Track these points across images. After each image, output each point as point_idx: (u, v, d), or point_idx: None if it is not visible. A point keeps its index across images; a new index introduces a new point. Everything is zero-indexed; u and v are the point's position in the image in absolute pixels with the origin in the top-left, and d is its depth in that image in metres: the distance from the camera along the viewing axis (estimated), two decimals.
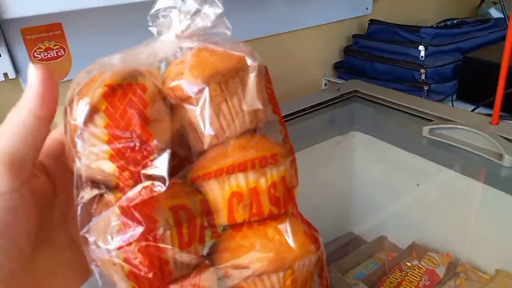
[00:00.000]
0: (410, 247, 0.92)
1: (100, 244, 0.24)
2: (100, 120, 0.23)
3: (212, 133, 0.25)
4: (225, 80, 0.24)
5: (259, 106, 0.26)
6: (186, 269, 0.25)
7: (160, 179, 0.24)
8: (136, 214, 0.23)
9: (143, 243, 0.23)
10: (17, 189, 0.23)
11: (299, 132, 0.94)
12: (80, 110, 0.23)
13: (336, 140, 0.96)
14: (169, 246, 0.24)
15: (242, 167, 0.25)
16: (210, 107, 0.24)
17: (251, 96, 0.25)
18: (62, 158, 0.26)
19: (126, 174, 0.24)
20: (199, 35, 0.26)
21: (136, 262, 0.23)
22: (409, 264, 0.88)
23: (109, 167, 0.24)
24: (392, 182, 0.96)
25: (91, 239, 0.24)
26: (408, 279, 0.82)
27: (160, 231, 0.24)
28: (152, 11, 0.26)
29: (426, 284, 0.80)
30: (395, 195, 0.99)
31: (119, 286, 0.24)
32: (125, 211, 0.23)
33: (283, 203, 0.27)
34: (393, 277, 0.86)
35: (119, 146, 0.23)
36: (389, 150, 0.92)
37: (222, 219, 0.26)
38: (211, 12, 0.25)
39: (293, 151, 0.29)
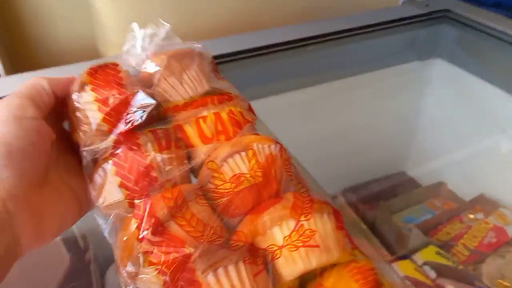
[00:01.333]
0: (475, 199, 0.81)
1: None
2: (88, 88, 0.34)
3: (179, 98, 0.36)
4: (181, 58, 0.37)
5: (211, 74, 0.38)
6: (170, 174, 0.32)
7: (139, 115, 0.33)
8: (122, 139, 0.32)
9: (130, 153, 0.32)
10: (39, 118, 0.30)
11: (369, 51, 0.80)
12: (75, 86, 0.34)
13: (412, 67, 0.81)
14: (150, 152, 0.32)
15: (204, 104, 0.36)
16: (174, 77, 0.36)
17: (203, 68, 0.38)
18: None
19: (112, 118, 0.33)
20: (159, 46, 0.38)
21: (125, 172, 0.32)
22: (472, 217, 0.78)
23: (98, 116, 0.33)
24: (470, 124, 0.83)
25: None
26: (471, 233, 0.73)
27: (143, 145, 0.32)
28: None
29: (492, 242, 0.71)
30: (469, 139, 0.86)
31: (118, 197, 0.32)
32: (117, 140, 0.33)
33: (243, 121, 0.36)
34: (451, 228, 0.78)
35: (102, 98, 0.33)
36: (477, 86, 0.78)
37: (194, 137, 0.35)
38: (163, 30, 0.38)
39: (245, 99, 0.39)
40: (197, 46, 0.38)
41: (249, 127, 0.36)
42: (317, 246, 0.28)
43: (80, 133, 0.33)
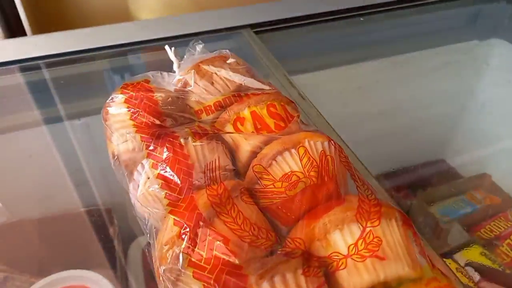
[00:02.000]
0: None
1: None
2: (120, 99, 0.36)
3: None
4: (211, 62, 0.38)
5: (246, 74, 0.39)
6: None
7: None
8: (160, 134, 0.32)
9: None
10: None
11: (424, 27, 0.73)
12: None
13: (469, 46, 0.74)
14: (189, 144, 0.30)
15: (238, 101, 0.35)
16: (205, 79, 0.37)
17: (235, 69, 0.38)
18: None
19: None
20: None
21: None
22: None
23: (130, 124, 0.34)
24: None
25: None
26: None
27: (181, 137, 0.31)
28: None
29: None
30: None
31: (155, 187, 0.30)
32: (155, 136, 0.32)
33: (286, 118, 0.34)
34: (496, 225, 0.73)
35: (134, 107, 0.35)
36: None
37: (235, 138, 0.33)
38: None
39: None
40: (226, 51, 0.40)
41: (295, 123, 0.34)
42: (384, 258, 0.24)
43: (113, 141, 0.34)
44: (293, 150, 0.29)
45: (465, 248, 0.66)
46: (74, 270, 0.53)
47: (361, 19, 0.66)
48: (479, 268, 0.63)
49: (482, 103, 0.83)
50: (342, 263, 0.24)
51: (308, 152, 0.29)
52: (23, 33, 0.68)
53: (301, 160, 0.29)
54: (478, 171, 0.89)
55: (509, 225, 0.72)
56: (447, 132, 0.94)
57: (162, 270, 0.26)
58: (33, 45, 0.58)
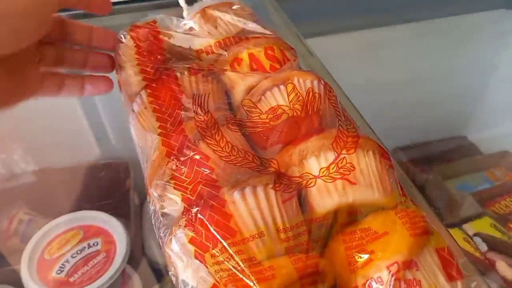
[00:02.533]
0: None
1: None
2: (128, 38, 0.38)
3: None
4: (216, 7, 0.40)
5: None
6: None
7: None
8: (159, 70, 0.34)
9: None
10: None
11: None
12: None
13: (496, 15, 0.72)
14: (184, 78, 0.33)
15: (237, 42, 0.37)
16: (209, 23, 0.39)
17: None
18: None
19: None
20: None
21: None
22: None
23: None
24: None
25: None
26: None
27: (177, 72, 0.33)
28: None
29: None
30: None
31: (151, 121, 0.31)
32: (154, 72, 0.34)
33: (282, 61, 0.34)
34: None
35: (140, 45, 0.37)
36: None
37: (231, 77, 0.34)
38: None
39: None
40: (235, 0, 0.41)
41: (290, 65, 0.35)
42: (355, 183, 0.25)
43: (121, 74, 0.37)
44: (281, 86, 0.31)
45: (475, 219, 0.66)
46: (89, 211, 0.57)
47: None
48: (487, 239, 0.62)
49: (507, 77, 0.80)
50: (312, 182, 0.25)
51: (296, 88, 0.30)
52: None
53: (288, 96, 0.30)
54: (500, 149, 0.87)
55: None
56: (469, 106, 0.92)
57: (151, 186, 0.28)
58: None
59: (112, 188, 0.71)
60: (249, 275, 0.20)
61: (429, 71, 0.80)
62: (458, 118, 0.93)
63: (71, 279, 0.50)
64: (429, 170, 0.86)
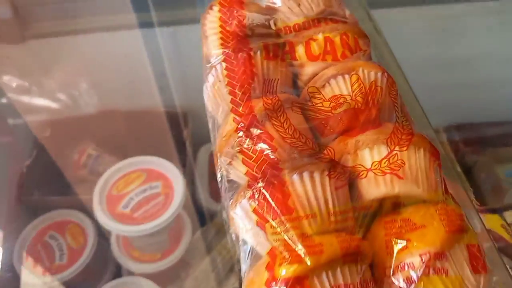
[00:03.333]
0: None
1: None
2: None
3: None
4: None
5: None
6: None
7: None
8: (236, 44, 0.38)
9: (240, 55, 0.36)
10: None
11: None
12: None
13: None
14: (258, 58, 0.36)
15: (317, 25, 0.39)
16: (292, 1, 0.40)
17: None
18: None
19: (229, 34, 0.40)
20: None
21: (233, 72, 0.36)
22: None
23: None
24: None
25: None
26: None
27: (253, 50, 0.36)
28: None
29: None
30: None
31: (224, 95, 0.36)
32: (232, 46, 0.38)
33: (354, 49, 0.37)
34: None
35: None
36: None
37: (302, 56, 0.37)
38: None
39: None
40: None
41: (360, 54, 0.37)
42: (402, 178, 0.28)
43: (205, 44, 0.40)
44: (346, 76, 0.33)
45: None
46: (152, 156, 0.64)
47: None
48: None
49: None
50: (364, 173, 0.28)
51: (360, 79, 0.33)
52: None
53: (352, 86, 0.33)
54: None
55: None
56: None
57: (220, 155, 0.33)
58: None
59: (172, 135, 0.77)
60: (301, 248, 0.25)
61: (494, 52, 0.77)
62: None
63: (135, 215, 0.58)
64: (481, 151, 0.85)
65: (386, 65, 0.44)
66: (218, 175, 0.33)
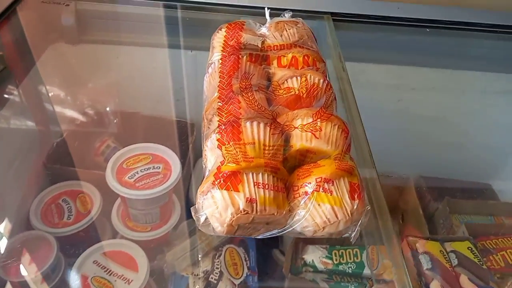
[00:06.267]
0: None
1: None
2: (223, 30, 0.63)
3: None
4: (286, 22, 0.63)
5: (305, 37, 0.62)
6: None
7: None
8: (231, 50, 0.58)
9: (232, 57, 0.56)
10: None
11: (486, 51, 0.86)
12: None
13: None
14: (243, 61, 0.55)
15: (289, 48, 0.59)
16: (278, 32, 0.62)
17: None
18: None
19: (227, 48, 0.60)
20: None
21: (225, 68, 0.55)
22: None
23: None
24: None
25: None
26: None
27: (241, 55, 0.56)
28: None
29: None
30: None
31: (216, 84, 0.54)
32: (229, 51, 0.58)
33: (312, 64, 0.56)
34: (503, 242, 0.82)
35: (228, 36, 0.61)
36: None
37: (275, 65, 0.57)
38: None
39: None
40: (299, 19, 0.64)
41: (314, 69, 0.55)
42: (318, 138, 0.45)
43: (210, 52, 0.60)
44: (298, 77, 0.51)
45: (457, 241, 0.78)
46: (161, 145, 0.81)
47: (427, 30, 0.82)
48: (460, 257, 0.75)
49: None
50: (293, 129, 0.45)
51: (307, 80, 0.51)
52: None
53: (300, 83, 0.50)
54: None
55: None
56: (500, 158, 1.03)
57: (206, 114, 0.50)
58: None
59: (179, 141, 0.95)
60: (240, 157, 0.41)
61: (457, 115, 0.94)
62: (486, 167, 1.04)
63: (137, 184, 0.74)
64: (441, 200, 0.99)
65: (347, 106, 0.62)
66: (203, 127, 0.50)
